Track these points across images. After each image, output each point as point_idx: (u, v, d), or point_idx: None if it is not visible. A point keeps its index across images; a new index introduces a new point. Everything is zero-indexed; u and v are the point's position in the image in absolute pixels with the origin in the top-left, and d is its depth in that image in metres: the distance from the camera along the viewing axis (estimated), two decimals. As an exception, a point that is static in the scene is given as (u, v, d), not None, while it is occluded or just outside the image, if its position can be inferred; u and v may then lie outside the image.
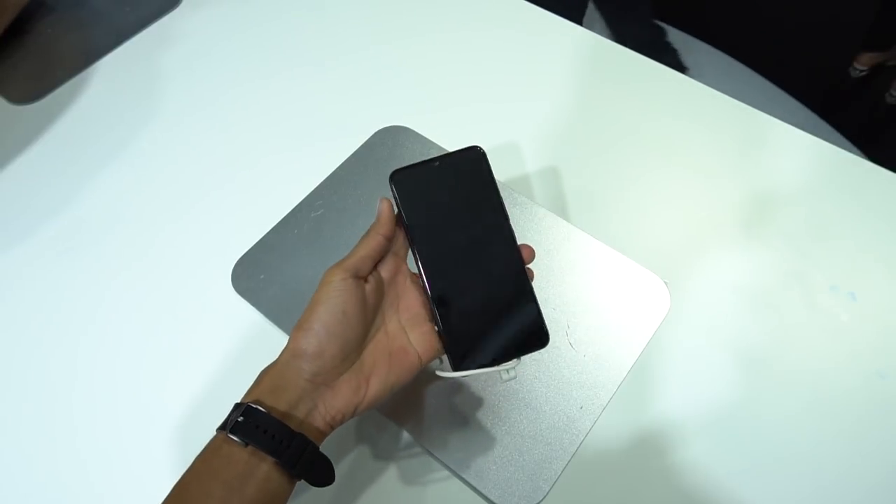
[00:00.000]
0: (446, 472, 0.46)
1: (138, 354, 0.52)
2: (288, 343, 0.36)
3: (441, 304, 0.38)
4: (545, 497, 0.44)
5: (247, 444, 0.33)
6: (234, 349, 0.51)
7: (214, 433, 0.35)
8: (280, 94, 0.68)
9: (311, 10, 0.75)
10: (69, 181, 0.62)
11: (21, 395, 0.50)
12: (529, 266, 0.40)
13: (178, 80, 0.69)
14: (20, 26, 0.73)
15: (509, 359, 0.38)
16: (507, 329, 0.38)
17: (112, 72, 0.70)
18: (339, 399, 0.36)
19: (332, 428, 0.36)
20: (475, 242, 0.38)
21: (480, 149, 0.40)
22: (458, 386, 0.48)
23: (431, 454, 0.46)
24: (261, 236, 0.56)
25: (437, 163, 0.39)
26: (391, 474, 0.46)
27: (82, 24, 0.75)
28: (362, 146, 0.61)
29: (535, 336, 0.38)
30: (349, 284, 0.36)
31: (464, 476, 0.44)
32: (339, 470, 0.45)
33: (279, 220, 0.57)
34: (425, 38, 0.72)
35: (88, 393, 0.50)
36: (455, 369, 0.38)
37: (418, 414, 0.47)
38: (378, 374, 0.37)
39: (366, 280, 0.38)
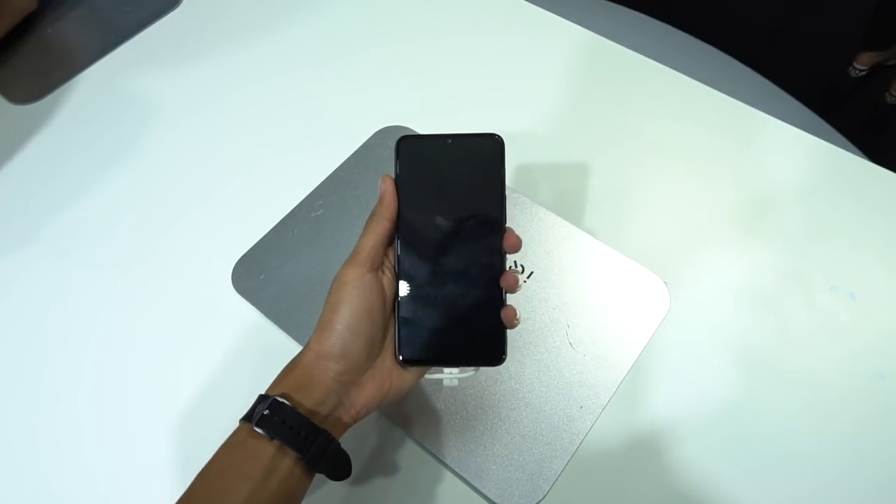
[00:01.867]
0: (446, 472, 0.46)
1: (138, 354, 0.52)
2: (310, 344, 0.36)
3: (406, 287, 0.36)
4: (545, 497, 0.44)
5: (272, 439, 0.33)
6: (234, 349, 0.51)
7: (238, 423, 0.35)
8: (280, 94, 0.68)
9: (311, 11, 0.75)
10: (69, 181, 0.62)
11: (21, 395, 0.50)
12: (517, 274, 0.38)
13: (178, 80, 0.69)
14: (21, 26, 0.73)
15: (458, 365, 0.37)
16: (466, 335, 0.36)
17: (112, 72, 0.70)
18: (363, 395, 0.36)
19: (356, 421, 0.37)
20: (461, 234, 0.36)
21: (499, 138, 0.37)
22: (458, 386, 0.48)
23: (431, 454, 0.46)
24: (261, 236, 0.56)
25: (450, 140, 0.37)
26: (391, 474, 0.46)
27: (82, 24, 0.75)
28: (362, 146, 0.61)
29: (491, 351, 0.36)
30: (368, 281, 0.35)
31: (464, 476, 0.44)
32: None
33: (279, 220, 0.57)
34: (425, 38, 0.72)
35: (88, 392, 0.50)
36: (399, 357, 0.36)
37: (418, 414, 0.47)
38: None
39: (381, 271, 0.37)
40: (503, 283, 0.36)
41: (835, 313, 0.52)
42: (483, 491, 0.44)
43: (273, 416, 0.33)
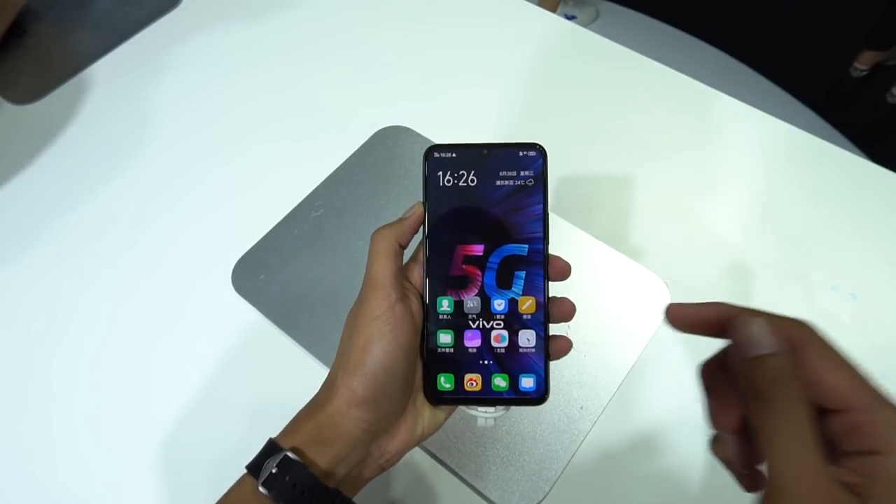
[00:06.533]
0: (446, 472, 0.45)
1: (138, 355, 0.52)
2: (337, 388, 0.31)
3: (436, 317, 0.33)
4: (545, 497, 0.44)
5: (278, 502, 0.30)
6: (234, 349, 0.51)
7: (244, 470, 0.32)
8: (280, 93, 0.68)
9: (311, 10, 0.75)
10: (69, 181, 0.62)
11: (19, 396, 0.50)
12: (570, 299, 0.34)
13: (178, 80, 0.69)
14: (21, 26, 0.73)
15: (495, 404, 0.34)
16: (504, 370, 0.33)
17: (112, 72, 0.70)
18: (395, 442, 0.33)
19: (384, 471, 0.33)
20: (498, 258, 0.33)
21: (542, 148, 0.33)
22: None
23: (431, 454, 0.46)
24: (261, 236, 0.56)
25: (486, 151, 0.33)
26: (391, 474, 0.46)
27: (83, 24, 0.75)
28: (362, 146, 0.61)
29: (532, 389, 0.33)
30: (398, 313, 0.31)
31: (464, 476, 0.44)
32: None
33: (279, 220, 0.57)
34: (425, 37, 0.72)
35: (87, 393, 0.50)
36: (428, 398, 0.33)
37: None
38: None
39: (408, 297, 0.33)
40: (557, 310, 0.33)
41: (836, 314, 0.52)
42: (483, 491, 0.44)
43: (283, 474, 0.30)
